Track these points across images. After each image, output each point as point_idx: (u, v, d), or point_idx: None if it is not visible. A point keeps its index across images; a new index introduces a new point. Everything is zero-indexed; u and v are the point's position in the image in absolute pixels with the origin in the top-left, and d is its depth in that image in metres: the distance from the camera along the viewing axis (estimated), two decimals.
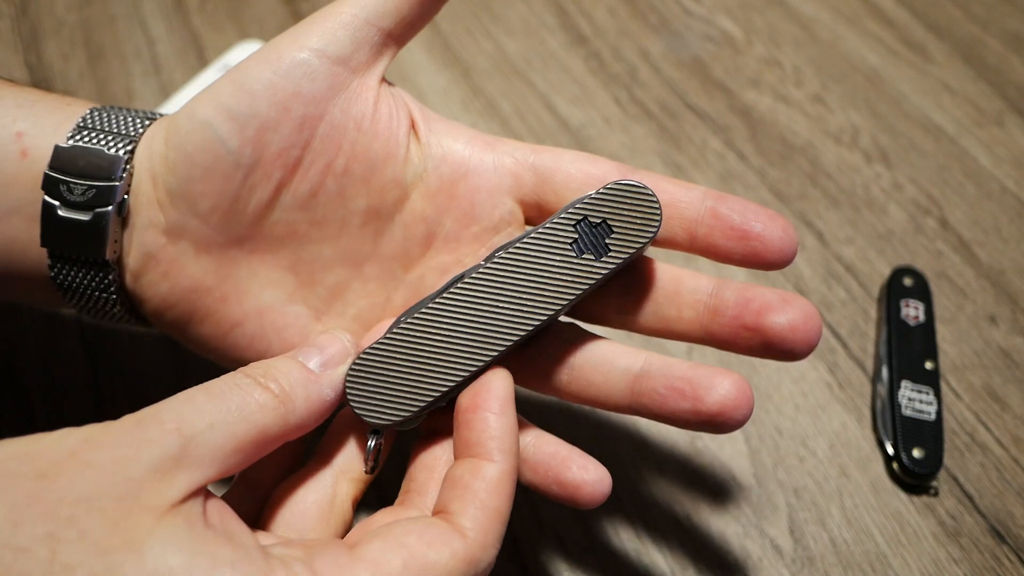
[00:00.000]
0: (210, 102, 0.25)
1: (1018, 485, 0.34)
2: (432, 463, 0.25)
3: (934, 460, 0.33)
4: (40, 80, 0.47)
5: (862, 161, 0.45)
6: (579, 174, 0.26)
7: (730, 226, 0.25)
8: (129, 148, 0.25)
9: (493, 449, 0.23)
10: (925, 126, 0.46)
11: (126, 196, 0.25)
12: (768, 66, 0.49)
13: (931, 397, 0.35)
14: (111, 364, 0.36)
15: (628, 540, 0.32)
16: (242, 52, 0.46)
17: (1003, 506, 0.33)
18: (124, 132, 0.26)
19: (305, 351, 0.24)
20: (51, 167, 0.25)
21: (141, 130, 0.26)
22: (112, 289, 0.26)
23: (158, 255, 0.26)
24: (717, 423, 0.23)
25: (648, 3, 0.53)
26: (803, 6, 0.53)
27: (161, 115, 0.27)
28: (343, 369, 0.24)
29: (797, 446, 0.35)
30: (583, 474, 0.25)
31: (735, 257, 0.25)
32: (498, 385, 0.24)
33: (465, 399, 0.24)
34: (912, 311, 0.38)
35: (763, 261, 0.24)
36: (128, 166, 0.25)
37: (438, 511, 0.23)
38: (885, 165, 0.45)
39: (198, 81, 0.44)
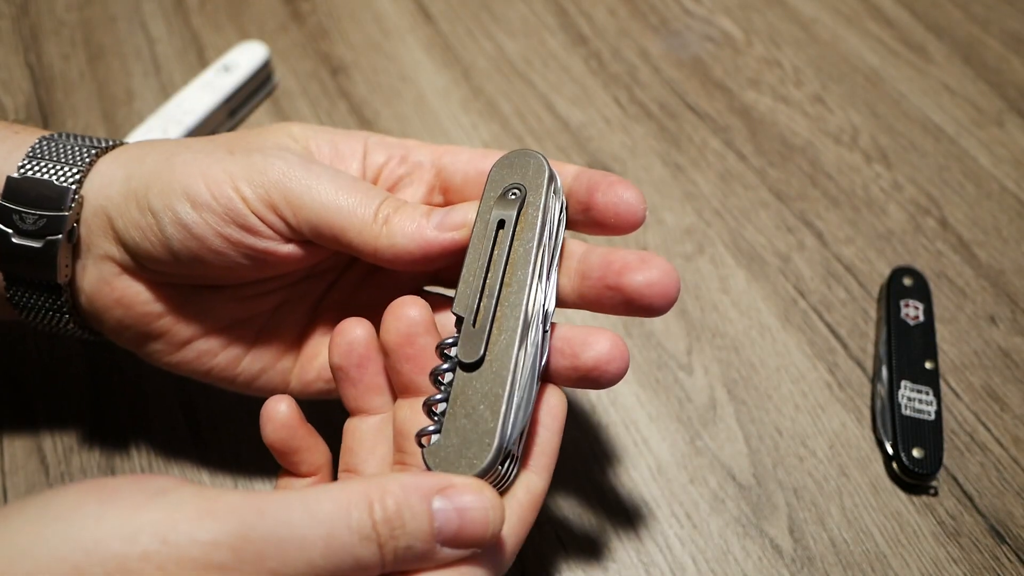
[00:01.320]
0: (165, 201, 0.25)
1: (1018, 485, 0.34)
2: (371, 438, 0.26)
3: (934, 460, 0.33)
4: (40, 80, 0.47)
5: (862, 161, 0.45)
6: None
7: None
8: (77, 178, 0.26)
9: (541, 465, 0.23)
10: (925, 126, 0.46)
11: (76, 224, 0.26)
12: (768, 66, 0.49)
13: (931, 397, 0.35)
14: (111, 364, 0.36)
15: (628, 540, 0.32)
16: (242, 52, 0.46)
17: (1003, 506, 0.33)
18: (73, 161, 0.26)
19: (442, 506, 0.20)
20: (3, 197, 0.26)
21: (88, 160, 0.26)
22: (65, 309, 0.27)
23: (112, 282, 0.27)
24: (594, 377, 0.24)
25: (648, 3, 0.53)
26: (803, 6, 0.53)
27: (111, 143, 0.28)
28: (462, 553, 0.21)
29: (797, 446, 0.35)
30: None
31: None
32: (558, 406, 0.25)
33: None
34: (912, 311, 0.38)
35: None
36: (77, 195, 0.26)
37: None
38: (885, 165, 0.45)
39: (198, 81, 0.44)
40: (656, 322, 0.38)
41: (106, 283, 0.27)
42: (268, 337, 0.30)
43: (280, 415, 0.25)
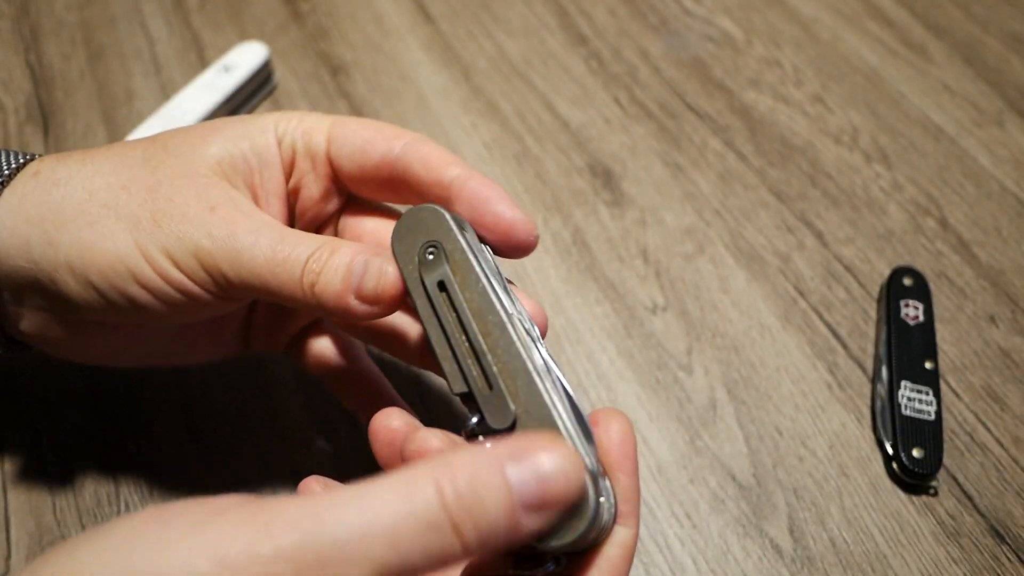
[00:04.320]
0: (111, 281, 0.25)
1: (1018, 485, 0.34)
2: None
3: (934, 460, 0.33)
4: (40, 80, 0.47)
5: (862, 161, 0.45)
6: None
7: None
8: None
9: (625, 512, 0.22)
10: (925, 126, 0.46)
11: None
12: (768, 66, 0.49)
13: (931, 397, 0.35)
14: None
15: None
16: (242, 52, 0.46)
17: (1003, 506, 0.33)
18: None
19: (517, 471, 0.18)
20: None
21: None
22: None
23: (52, 326, 0.27)
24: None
25: (648, 3, 0.53)
26: (803, 6, 0.53)
27: (21, 161, 0.26)
28: (549, 517, 0.19)
29: (797, 446, 0.35)
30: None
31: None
32: (626, 441, 0.23)
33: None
34: (912, 311, 0.38)
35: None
36: None
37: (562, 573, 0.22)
38: (885, 165, 0.45)
39: (198, 81, 0.44)
40: (656, 322, 0.38)
41: (48, 327, 0.27)
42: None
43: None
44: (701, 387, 0.36)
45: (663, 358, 0.37)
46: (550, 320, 0.38)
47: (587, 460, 0.21)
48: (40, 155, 0.27)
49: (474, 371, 0.22)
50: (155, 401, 0.35)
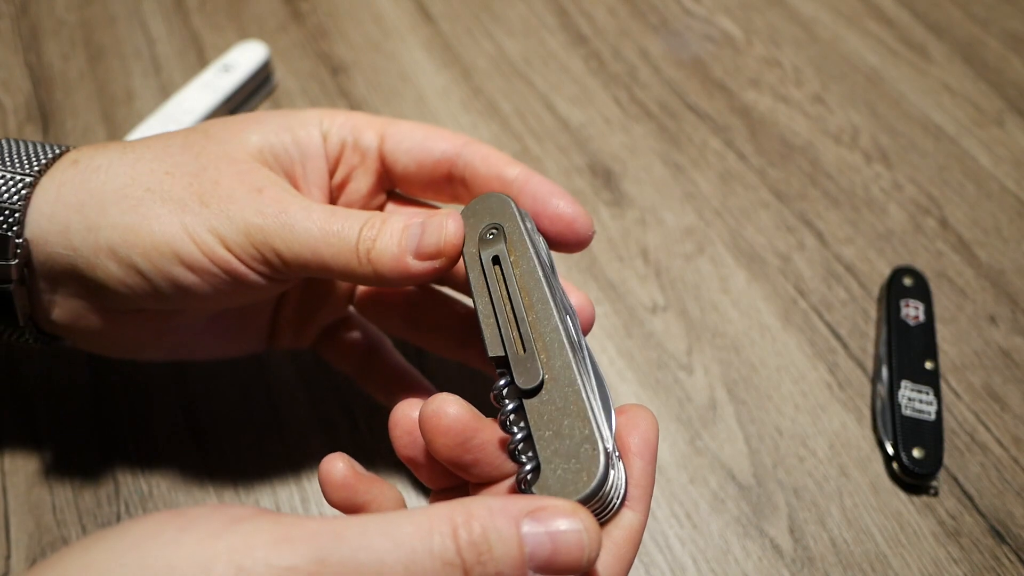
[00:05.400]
0: (156, 263, 0.24)
1: (1018, 485, 0.34)
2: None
3: (934, 460, 0.33)
4: (40, 80, 0.47)
5: (862, 161, 0.45)
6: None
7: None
8: (16, 218, 0.25)
9: (635, 497, 0.22)
10: (925, 126, 0.46)
11: (27, 269, 0.25)
12: (768, 66, 0.49)
13: (931, 397, 0.35)
14: (110, 363, 0.36)
15: None
16: (242, 52, 0.46)
17: (1003, 506, 0.33)
18: (7, 203, 0.25)
19: (533, 530, 0.19)
20: None
21: (18, 199, 0.25)
22: (26, 336, 0.27)
23: (87, 316, 0.27)
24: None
25: (648, 3, 0.53)
26: (803, 6, 0.53)
27: (40, 165, 0.26)
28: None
29: (797, 446, 0.35)
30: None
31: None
32: (650, 430, 0.23)
33: (617, 439, 0.23)
34: (912, 311, 0.38)
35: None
36: (19, 240, 0.25)
37: None
38: (885, 165, 0.45)
39: (198, 81, 0.44)
40: (656, 322, 0.38)
41: (80, 317, 0.27)
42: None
43: (338, 474, 0.23)
44: (701, 387, 0.36)
45: (663, 358, 0.37)
46: None
47: (605, 435, 0.22)
48: (75, 146, 0.27)
49: (512, 336, 0.23)
50: (156, 401, 0.35)
